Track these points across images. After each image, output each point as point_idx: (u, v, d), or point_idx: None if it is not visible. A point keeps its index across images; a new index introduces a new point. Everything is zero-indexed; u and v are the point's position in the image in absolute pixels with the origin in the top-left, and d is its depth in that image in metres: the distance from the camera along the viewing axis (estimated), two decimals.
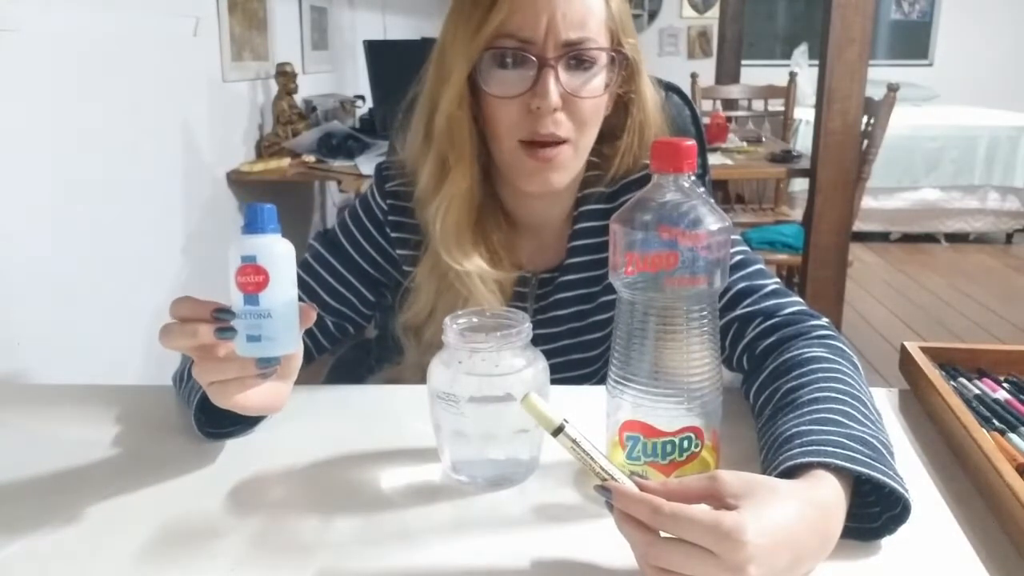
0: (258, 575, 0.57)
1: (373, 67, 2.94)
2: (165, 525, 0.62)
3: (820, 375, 0.69)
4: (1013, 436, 0.71)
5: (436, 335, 0.72)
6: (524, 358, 0.66)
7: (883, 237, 4.82)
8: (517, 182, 0.86)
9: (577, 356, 0.94)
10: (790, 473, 0.58)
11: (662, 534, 0.51)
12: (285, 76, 2.55)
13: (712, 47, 6.25)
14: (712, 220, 0.59)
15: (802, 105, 4.59)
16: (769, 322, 0.81)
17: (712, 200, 0.61)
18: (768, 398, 0.71)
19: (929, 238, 4.82)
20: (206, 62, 2.23)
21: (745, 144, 3.24)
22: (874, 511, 0.59)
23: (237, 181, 2.34)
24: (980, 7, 6.28)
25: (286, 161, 2.46)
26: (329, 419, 0.81)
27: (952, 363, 0.87)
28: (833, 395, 0.66)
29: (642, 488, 0.53)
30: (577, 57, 0.81)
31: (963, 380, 0.83)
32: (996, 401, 0.78)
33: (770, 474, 0.59)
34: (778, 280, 0.86)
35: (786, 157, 2.95)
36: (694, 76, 4.31)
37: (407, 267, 0.92)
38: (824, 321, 0.81)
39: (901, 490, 0.57)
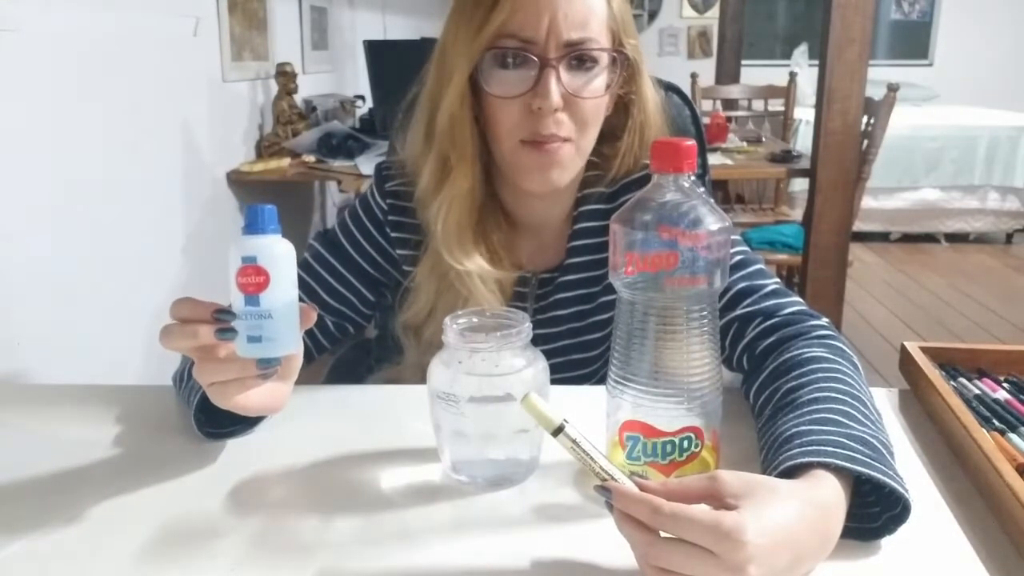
0: (258, 575, 0.57)
1: (373, 67, 2.94)
2: (165, 525, 0.62)
3: (820, 375, 0.70)
4: (1013, 436, 0.71)
5: (436, 335, 0.72)
6: (524, 358, 0.66)
7: (883, 237, 4.82)
8: (518, 181, 0.86)
9: (577, 356, 0.94)
10: (790, 473, 0.58)
11: (662, 534, 0.51)
12: (285, 76, 2.55)
13: (712, 47, 6.25)
14: (712, 220, 0.59)
15: (802, 105, 4.59)
16: (769, 322, 0.81)
17: (712, 200, 0.61)
18: (768, 398, 0.72)
19: (929, 238, 4.82)
20: (206, 62, 2.23)
21: (745, 144, 3.24)
22: (874, 511, 0.59)
23: (237, 181, 2.34)
24: (980, 7, 6.28)
25: (286, 161, 2.46)
26: (329, 419, 0.81)
27: (952, 363, 0.87)
28: (833, 395, 0.66)
29: (642, 488, 0.53)
30: (578, 57, 0.81)
31: (963, 380, 0.83)
32: (996, 401, 0.78)
33: (770, 474, 0.59)
34: (778, 280, 0.86)
35: (786, 157, 2.95)
36: (694, 76, 4.31)
37: (407, 267, 0.92)
38: (824, 321, 0.81)
39: (901, 490, 0.57)
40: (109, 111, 1.76)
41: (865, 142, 2.75)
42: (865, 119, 2.72)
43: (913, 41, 6.55)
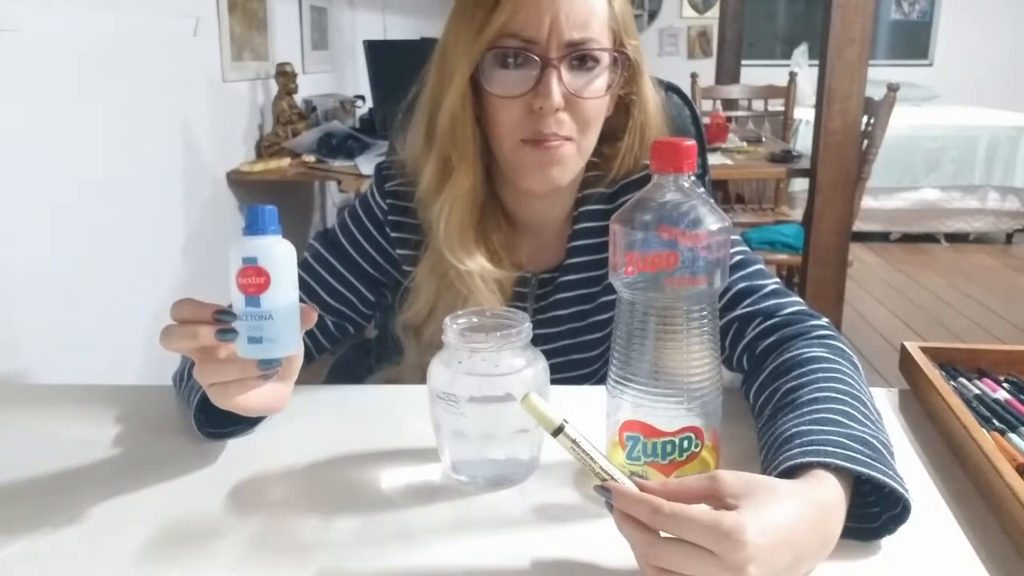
0: (258, 575, 0.57)
1: (373, 67, 2.94)
2: (165, 525, 0.62)
3: (820, 375, 0.70)
4: (1013, 436, 0.71)
5: (436, 335, 0.72)
6: (524, 358, 0.66)
7: (883, 237, 4.82)
8: (518, 180, 0.86)
9: (577, 356, 0.94)
10: (790, 473, 0.58)
11: (662, 534, 0.51)
12: (285, 76, 2.55)
13: (712, 47, 6.25)
14: (712, 220, 0.59)
15: (802, 105, 4.59)
16: (769, 322, 0.81)
17: (712, 200, 0.61)
18: (768, 398, 0.72)
19: (929, 238, 4.82)
20: (206, 62, 2.23)
21: (745, 144, 3.24)
22: (874, 511, 0.59)
23: (237, 181, 2.35)
24: (980, 7, 6.28)
25: (286, 161, 2.46)
26: (329, 419, 0.81)
27: (952, 363, 0.87)
28: (833, 395, 0.66)
29: (642, 488, 0.53)
30: (580, 57, 0.81)
31: (963, 380, 0.83)
32: (996, 401, 0.78)
33: (770, 474, 0.59)
34: (778, 280, 0.86)
35: (786, 157, 2.95)
36: (694, 76, 4.31)
37: (407, 267, 0.92)
38: (824, 321, 0.81)
39: (901, 490, 0.57)
40: (109, 111, 1.76)
41: (865, 142, 2.75)
42: (865, 119, 2.72)
43: (913, 41, 6.55)
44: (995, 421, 0.74)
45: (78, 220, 1.65)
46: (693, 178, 0.61)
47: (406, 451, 0.73)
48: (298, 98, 2.63)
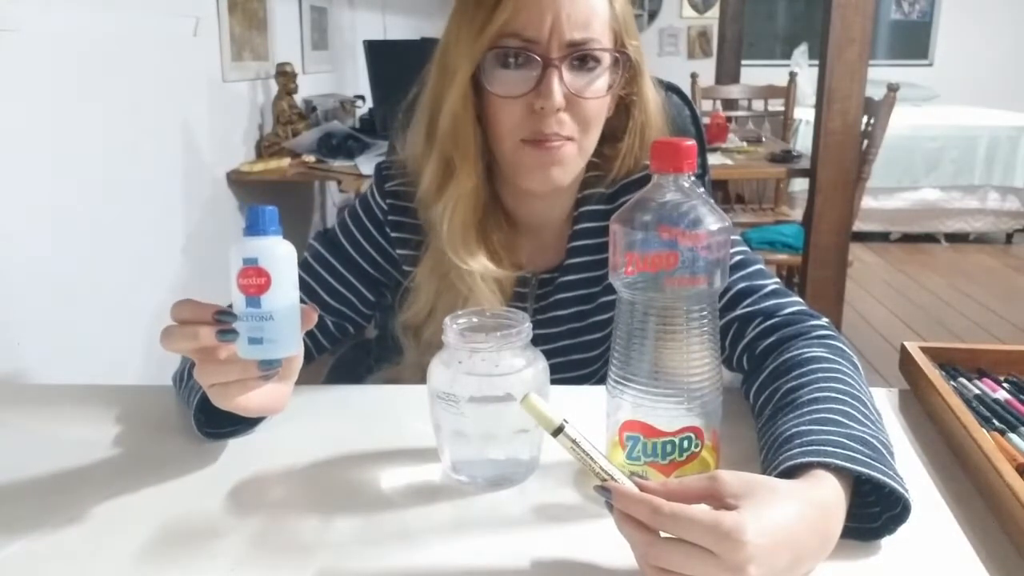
0: (258, 575, 0.57)
1: (373, 67, 2.94)
2: (165, 525, 0.62)
3: (820, 375, 0.70)
4: (1013, 436, 0.71)
5: (436, 335, 0.72)
6: (524, 358, 0.66)
7: (883, 237, 4.82)
8: (518, 180, 0.86)
9: (577, 356, 0.94)
10: (790, 473, 0.58)
11: (662, 534, 0.51)
12: (285, 76, 2.55)
13: (712, 47, 6.25)
14: (712, 220, 0.59)
15: (802, 105, 4.59)
16: (769, 322, 0.81)
17: (712, 200, 0.61)
18: (768, 398, 0.72)
19: (929, 238, 4.82)
20: (206, 62, 2.23)
21: (745, 144, 3.24)
22: (874, 511, 0.59)
23: (237, 181, 2.35)
24: (980, 7, 6.28)
25: (286, 161, 2.46)
26: (329, 419, 0.81)
27: (952, 363, 0.87)
28: (833, 395, 0.66)
29: (642, 488, 0.53)
30: (581, 57, 0.81)
31: (963, 380, 0.83)
32: (996, 401, 0.78)
33: (770, 474, 0.59)
34: (778, 280, 0.86)
35: (786, 157, 2.95)
36: (694, 76, 4.31)
37: (407, 267, 0.92)
38: (824, 321, 0.81)
39: (901, 490, 0.57)
40: (109, 111, 1.76)
41: (865, 142, 2.75)
42: (865, 119, 2.72)
43: (913, 41, 6.55)
44: (995, 421, 0.74)
45: (78, 220, 1.65)
46: (693, 178, 0.61)
47: (406, 451, 0.73)
48: (298, 98, 2.63)
